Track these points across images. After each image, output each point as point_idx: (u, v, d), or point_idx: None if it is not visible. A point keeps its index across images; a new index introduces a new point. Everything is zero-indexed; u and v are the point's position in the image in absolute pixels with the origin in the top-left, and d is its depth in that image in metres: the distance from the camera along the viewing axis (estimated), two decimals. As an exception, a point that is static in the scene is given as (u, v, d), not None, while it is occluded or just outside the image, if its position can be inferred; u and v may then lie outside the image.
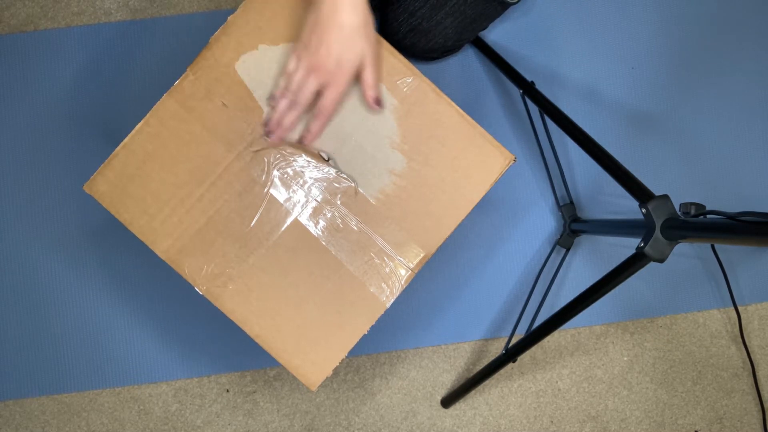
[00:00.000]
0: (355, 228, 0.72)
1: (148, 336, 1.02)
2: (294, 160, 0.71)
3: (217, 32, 0.70)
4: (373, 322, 0.71)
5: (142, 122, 0.70)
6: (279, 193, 0.71)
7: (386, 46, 0.71)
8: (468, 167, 0.72)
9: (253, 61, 0.71)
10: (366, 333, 0.71)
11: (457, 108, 0.71)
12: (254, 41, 0.71)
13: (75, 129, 1.02)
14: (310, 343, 0.71)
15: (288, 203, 0.71)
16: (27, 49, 1.03)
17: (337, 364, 0.71)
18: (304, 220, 0.71)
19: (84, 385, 1.01)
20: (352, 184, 0.71)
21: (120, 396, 1.01)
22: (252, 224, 0.71)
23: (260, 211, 0.71)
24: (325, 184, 0.71)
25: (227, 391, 1.02)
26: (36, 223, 1.01)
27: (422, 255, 0.72)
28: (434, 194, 0.72)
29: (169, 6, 1.05)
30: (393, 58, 0.71)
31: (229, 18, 0.70)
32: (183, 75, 0.70)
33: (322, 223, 0.71)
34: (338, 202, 0.71)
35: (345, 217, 0.71)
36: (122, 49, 1.03)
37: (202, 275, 0.71)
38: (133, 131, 0.71)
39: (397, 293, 0.71)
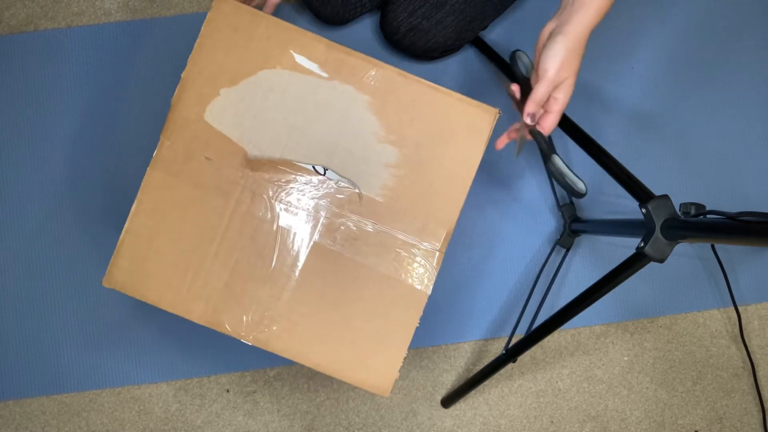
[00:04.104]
0: (372, 230, 0.71)
1: (149, 336, 1.02)
2: (291, 187, 0.71)
3: (175, 92, 0.70)
4: (421, 313, 0.71)
5: (135, 202, 0.70)
6: (288, 223, 0.71)
7: (337, 46, 0.70)
8: (457, 135, 0.71)
9: (219, 108, 0.70)
10: (418, 325, 0.71)
11: (428, 83, 0.71)
12: (213, 89, 0.70)
13: (75, 129, 1.02)
14: (368, 353, 0.71)
15: (300, 230, 0.71)
16: (27, 49, 1.03)
17: (401, 364, 0.70)
18: (321, 240, 0.71)
19: (84, 385, 1.01)
20: (355, 191, 0.71)
21: (120, 396, 1.01)
22: (273, 262, 0.71)
23: (277, 247, 0.71)
24: (328, 199, 0.71)
25: (227, 391, 1.02)
26: (36, 222, 1.01)
27: (444, 232, 0.71)
28: (434, 172, 0.71)
29: (169, 6, 1.05)
30: (350, 57, 0.70)
31: (182, 75, 0.70)
32: (158, 144, 0.70)
33: (338, 237, 0.71)
34: (347, 212, 0.71)
35: (358, 223, 0.71)
36: (122, 49, 1.03)
37: (244, 326, 0.71)
38: (131, 213, 0.70)
39: (434, 278, 0.71)
